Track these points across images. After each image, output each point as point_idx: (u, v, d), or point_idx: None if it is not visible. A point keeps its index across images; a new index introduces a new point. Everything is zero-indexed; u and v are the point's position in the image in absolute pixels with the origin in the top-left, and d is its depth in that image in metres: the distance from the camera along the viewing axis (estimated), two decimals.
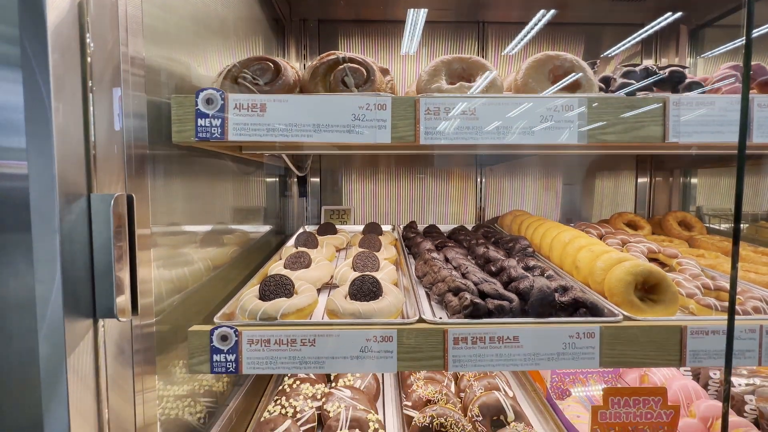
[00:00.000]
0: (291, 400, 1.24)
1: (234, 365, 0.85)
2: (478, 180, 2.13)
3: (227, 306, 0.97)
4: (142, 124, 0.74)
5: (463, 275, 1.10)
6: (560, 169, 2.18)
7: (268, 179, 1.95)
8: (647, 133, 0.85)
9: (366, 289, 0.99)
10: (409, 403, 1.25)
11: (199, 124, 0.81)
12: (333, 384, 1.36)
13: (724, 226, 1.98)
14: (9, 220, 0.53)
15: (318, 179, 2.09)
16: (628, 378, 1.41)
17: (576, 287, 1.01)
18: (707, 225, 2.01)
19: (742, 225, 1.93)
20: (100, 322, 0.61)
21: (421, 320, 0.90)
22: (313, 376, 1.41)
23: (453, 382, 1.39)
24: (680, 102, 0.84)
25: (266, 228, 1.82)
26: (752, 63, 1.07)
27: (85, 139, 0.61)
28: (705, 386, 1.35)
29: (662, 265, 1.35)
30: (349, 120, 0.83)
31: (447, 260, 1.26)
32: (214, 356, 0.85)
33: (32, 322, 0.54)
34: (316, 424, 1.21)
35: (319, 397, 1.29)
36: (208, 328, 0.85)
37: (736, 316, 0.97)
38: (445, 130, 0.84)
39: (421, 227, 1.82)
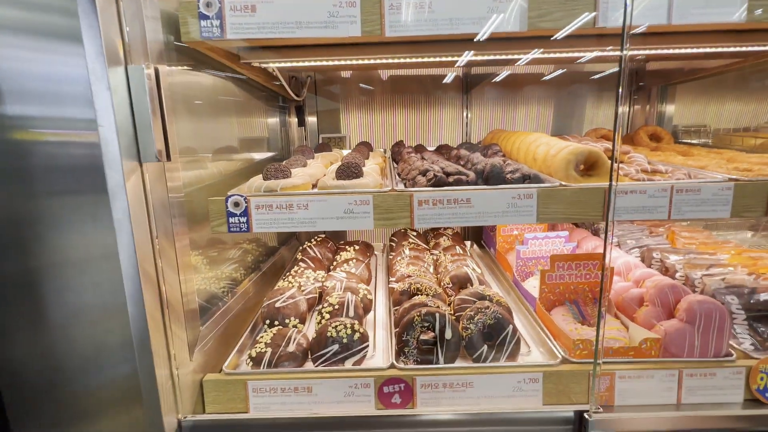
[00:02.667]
0: (297, 278, 1.51)
1: (246, 225, 1.09)
2: (465, 107, 2.26)
3: (237, 188, 1.20)
4: (156, 26, 0.92)
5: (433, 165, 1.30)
6: (545, 94, 2.29)
7: (269, 109, 2.13)
8: (581, 19, 0.99)
9: (350, 171, 1.20)
10: (394, 279, 1.50)
11: (202, 25, 0.99)
12: (332, 270, 1.62)
13: (697, 140, 2.11)
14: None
15: (315, 109, 2.26)
16: None
17: (526, 167, 1.20)
18: (682, 141, 2.14)
19: (715, 135, 2.06)
20: (144, 166, 0.84)
21: (392, 190, 1.11)
22: (313, 265, 1.68)
23: (432, 266, 1.64)
24: None
25: (269, 154, 2.02)
26: None
27: (120, 30, 0.80)
28: (649, 265, 1.57)
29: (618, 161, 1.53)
30: (326, 17, 0.98)
31: (423, 159, 1.45)
32: (230, 219, 1.08)
33: (99, 160, 0.77)
34: (317, 296, 1.49)
35: (320, 279, 1.56)
36: (224, 197, 1.07)
37: (656, 179, 1.16)
38: (406, 23, 0.99)
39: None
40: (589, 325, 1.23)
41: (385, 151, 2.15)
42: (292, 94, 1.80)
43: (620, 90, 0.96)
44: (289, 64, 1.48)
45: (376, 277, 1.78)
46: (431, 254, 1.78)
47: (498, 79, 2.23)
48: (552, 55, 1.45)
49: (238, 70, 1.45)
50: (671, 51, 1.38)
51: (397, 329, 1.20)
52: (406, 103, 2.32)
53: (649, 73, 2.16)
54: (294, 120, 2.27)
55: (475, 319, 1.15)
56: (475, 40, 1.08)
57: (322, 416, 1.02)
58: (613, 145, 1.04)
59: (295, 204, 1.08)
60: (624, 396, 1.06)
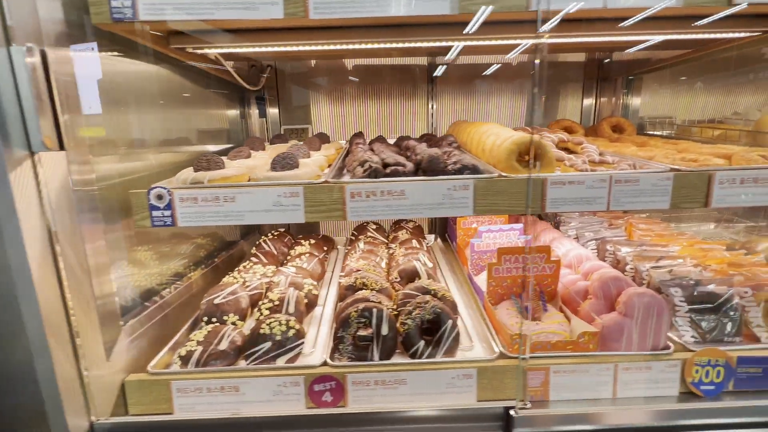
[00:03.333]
0: (243, 275, 1.47)
1: (170, 219, 1.04)
2: (430, 97, 2.22)
3: (167, 181, 1.14)
4: (54, 5, 0.85)
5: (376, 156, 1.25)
6: (516, 84, 2.25)
7: (224, 99, 2.06)
8: (512, 2, 0.95)
9: (284, 163, 1.15)
10: (343, 273, 1.47)
11: (112, 6, 0.92)
12: (284, 265, 1.58)
13: (661, 132, 2.09)
14: None
15: (277, 99, 2.19)
16: None
17: (467, 158, 1.17)
18: (647, 132, 2.13)
19: (677, 125, 2.05)
20: (38, 156, 0.78)
21: (325, 182, 1.07)
22: (266, 260, 1.64)
23: (385, 261, 1.60)
24: None
25: (225, 146, 1.96)
26: None
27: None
28: (603, 258, 1.55)
29: (571, 151, 1.50)
30: None
31: (372, 150, 1.41)
32: (153, 212, 1.03)
33: None
34: (264, 292, 1.44)
35: (269, 274, 1.52)
36: (146, 189, 1.02)
37: (596, 171, 1.13)
38: (331, 5, 0.94)
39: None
40: (533, 320, 1.21)
41: (347, 143, 2.10)
42: (243, 83, 1.73)
43: (536, 80, 0.92)
44: (226, 50, 1.42)
45: (333, 272, 1.75)
46: (388, 248, 1.75)
47: (462, 69, 2.19)
48: (491, 42, 1.40)
49: (180, 58, 1.39)
50: (601, 39, 1.36)
51: (335, 325, 1.16)
52: (376, 94, 2.27)
53: (615, 63, 2.13)
54: (255, 111, 2.20)
55: (413, 314, 1.12)
56: (418, 23, 1.04)
57: (248, 416, 0.99)
58: (532, 137, 1.01)
59: (221, 196, 1.03)
60: (559, 391, 1.04)
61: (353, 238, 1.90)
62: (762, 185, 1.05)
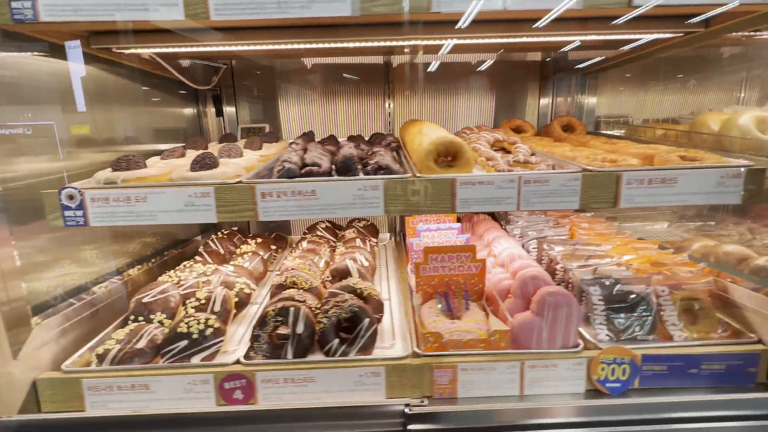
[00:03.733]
0: (179, 273, 1.48)
1: (83, 219, 1.05)
2: (387, 96, 2.22)
3: (85, 180, 1.15)
4: None
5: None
6: (469, 85, 2.25)
7: (174, 98, 2.06)
8: (414, 3, 0.96)
9: (203, 163, 1.16)
10: (279, 273, 1.48)
11: (13, 7, 0.93)
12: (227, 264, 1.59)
13: (611, 132, 2.10)
14: None
15: (234, 98, 2.20)
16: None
17: (386, 158, 1.17)
18: (600, 132, 2.14)
19: (628, 125, 2.06)
20: None
21: (239, 182, 1.08)
22: (210, 259, 1.65)
23: (323, 259, 1.61)
24: None
25: (175, 145, 1.97)
26: None
27: None
28: (540, 256, 1.56)
29: (507, 151, 1.51)
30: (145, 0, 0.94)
31: (305, 150, 1.41)
32: (65, 212, 1.04)
33: None
34: (197, 290, 1.45)
35: (208, 273, 1.53)
36: (57, 190, 1.03)
37: (502, 172, 1.15)
38: (232, 7, 0.95)
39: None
40: (455, 318, 1.23)
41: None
42: (189, 83, 1.74)
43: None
44: (155, 50, 1.42)
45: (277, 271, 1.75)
46: (333, 247, 1.76)
47: (420, 69, 2.19)
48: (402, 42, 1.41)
49: (110, 57, 1.39)
50: (515, 39, 1.36)
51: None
52: (337, 93, 2.28)
53: (568, 63, 2.14)
54: (213, 110, 2.20)
55: (329, 313, 1.13)
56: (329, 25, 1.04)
57: (159, 413, 1.00)
58: (451, 138, 1.02)
59: (132, 197, 1.04)
60: (467, 388, 1.06)
61: (303, 236, 1.91)
62: (669, 185, 1.06)
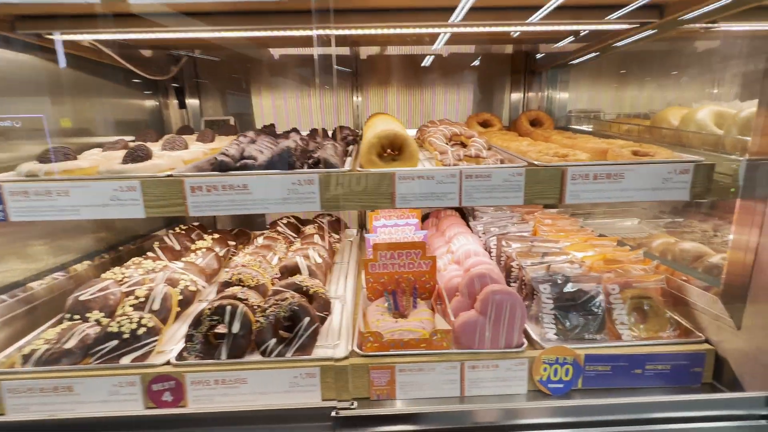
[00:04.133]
0: (124, 270, 1.43)
1: (2, 214, 1.00)
2: (355, 89, 2.17)
3: (8, 173, 1.10)
4: None
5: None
6: (442, 79, 2.21)
7: (145, 91, 2.00)
8: None
9: (135, 155, 1.11)
10: (228, 270, 1.43)
11: None
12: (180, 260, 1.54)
13: (580, 126, 2.07)
14: None
15: (197, 90, 2.13)
16: (441, 251, 1.59)
17: (327, 152, 1.13)
18: (573, 127, 2.10)
19: (596, 119, 2.02)
20: None
21: (169, 176, 1.03)
22: (163, 255, 1.60)
23: (278, 256, 1.57)
24: None
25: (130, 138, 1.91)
26: None
27: None
28: (500, 253, 1.53)
29: (465, 145, 1.47)
30: None
31: (252, 143, 1.36)
32: None
33: None
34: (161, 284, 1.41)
35: (157, 270, 1.48)
36: None
37: (444, 166, 1.11)
38: None
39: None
40: (401, 317, 1.19)
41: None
42: (137, 71, 1.67)
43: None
44: (94, 36, 1.35)
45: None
46: (291, 243, 1.71)
47: (390, 60, 2.14)
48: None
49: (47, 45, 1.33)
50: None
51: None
52: (310, 86, 2.21)
53: (537, 56, 2.09)
54: (176, 102, 2.14)
55: (267, 311, 1.09)
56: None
57: (79, 417, 0.96)
58: (395, 131, 0.98)
59: (53, 190, 0.99)
60: (406, 390, 1.02)
61: (262, 232, 1.86)
62: (615, 181, 1.03)
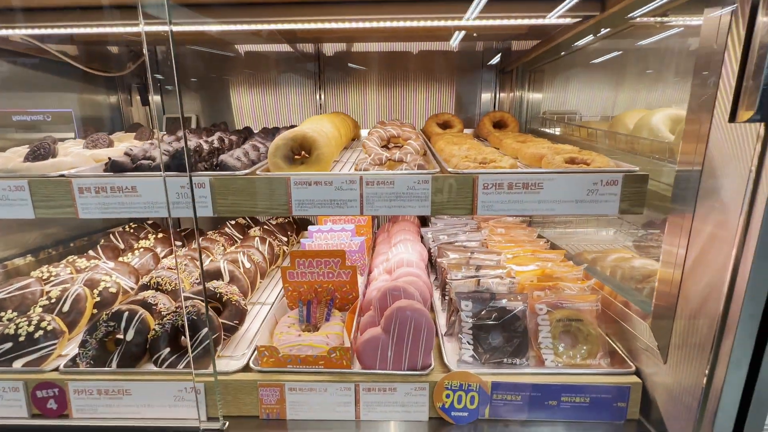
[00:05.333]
0: (53, 268, 1.41)
1: None
2: (319, 88, 2.11)
3: None
4: None
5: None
6: (404, 76, 2.11)
7: (102, 88, 1.99)
8: None
9: (38, 153, 1.08)
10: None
11: None
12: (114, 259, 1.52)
13: (550, 130, 1.94)
14: None
15: (159, 87, 2.12)
16: (380, 258, 1.51)
17: (237, 153, 1.07)
18: (544, 130, 1.97)
19: (562, 121, 1.89)
20: None
21: (61, 176, 0.99)
22: (103, 254, 1.58)
23: (210, 258, 1.53)
24: None
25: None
26: None
27: None
28: (438, 274, 1.44)
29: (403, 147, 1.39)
30: None
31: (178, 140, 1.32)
32: None
33: None
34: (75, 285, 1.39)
35: (90, 269, 1.46)
36: None
37: (342, 172, 1.02)
38: None
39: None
40: (312, 329, 1.12)
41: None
42: (83, 68, 1.66)
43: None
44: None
45: None
46: (233, 245, 1.67)
47: (359, 58, 2.07)
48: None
49: None
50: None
51: None
52: (274, 83, 2.17)
53: (505, 55, 1.98)
54: (139, 98, 2.13)
55: (165, 320, 1.05)
56: None
57: None
58: (304, 132, 0.91)
59: None
60: (297, 410, 0.96)
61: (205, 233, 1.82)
62: (532, 191, 0.93)
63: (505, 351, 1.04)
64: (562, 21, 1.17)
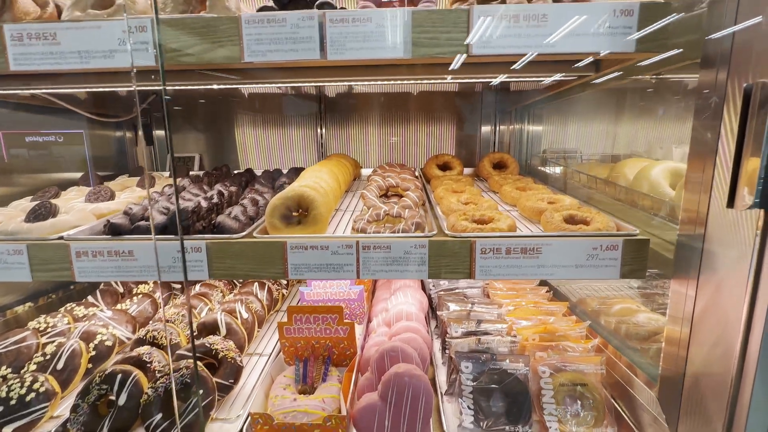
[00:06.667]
0: (50, 319, 1.41)
1: None
2: (320, 126, 2.14)
3: None
4: None
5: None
6: (405, 115, 2.14)
7: (108, 127, 2.04)
8: (226, 53, 0.87)
9: (39, 213, 1.09)
10: (152, 323, 1.38)
11: None
12: (111, 307, 1.51)
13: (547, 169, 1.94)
14: None
15: (166, 127, 2.16)
16: (379, 306, 1.49)
17: (235, 211, 1.07)
18: (544, 169, 1.97)
19: (561, 164, 1.88)
20: None
21: (60, 238, 1.00)
22: (101, 300, 1.57)
23: (208, 306, 1.51)
24: (253, 20, 0.84)
25: (109, 173, 1.95)
26: None
27: None
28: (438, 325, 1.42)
29: (401, 196, 1.38)
30: None
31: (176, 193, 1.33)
32: None
33: None
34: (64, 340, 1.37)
35: (88, 317, 1.45)
36: None
37: (337, 234, 1.02)
38: (32, 58, 0.88)
39: (258, 172, 1.90)
40: (309, 390, 1.10)
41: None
42: (86, 114, 1.70)
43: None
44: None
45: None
46: (231, 291, 1.66)
47: (361, 99, 2.10)
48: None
49: None
50: None
51: None
52: (278, 123, 2.20)
53: (507, 94, 2.00)
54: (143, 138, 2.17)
55: (158, 383, 1.03)
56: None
57: None
58: (302, 190, 0.91)
59: None
60: None
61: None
62: (531, 256, 0.91)
63: (507, 417, 1.00)
64: (558, 77, 1.19)
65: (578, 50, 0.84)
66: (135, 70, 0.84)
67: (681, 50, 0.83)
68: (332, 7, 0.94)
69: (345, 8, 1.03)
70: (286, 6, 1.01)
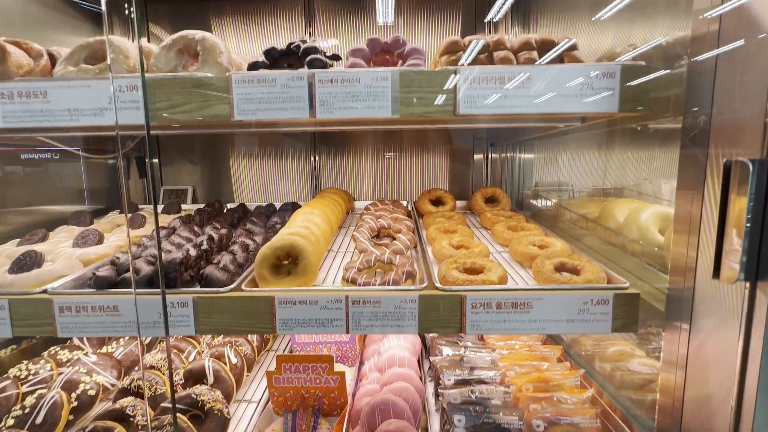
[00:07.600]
0: (31, 365, 1.36)
1: None
2: (313, 158, 2.15)
3: None
4: None
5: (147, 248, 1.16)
6: (398, 147, 2.16)
7: (110, 161, 2.04)
8: (216, 111, 0.88)
9: (23, 264, 1.07)
10: (138, 370, 1.35)
11: None
12: (96, 350, 1.48)
13: (539, 202, 1.95)
14: None
15: (159, 161, 2.16)
16: (372, 348, 1.46)
17: (222, 262, 1.06)
18: (535, 204, 1.98)
19: (552, 199, 1.90)
20: None
21: (44, 291, 0.98)
22: (85, 342, 1.53)
23: (196, 350, 1.48)
24: (243, 80, 0.86)
25: (100, 207, 1.93)
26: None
27: None
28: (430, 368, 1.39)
29: (394, 237, 1.38)
30: None
31: (173, 231, 1.32)
32: None
33: None
34: (53, 384, 1.33)
35: (72, 362, 1.41)
36: None
37: (327, 287, 1.01)
38: (20, 116, 0.88)
39: (251, 205, 1.90)
40: None
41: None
42: (82, 153, 1.70)
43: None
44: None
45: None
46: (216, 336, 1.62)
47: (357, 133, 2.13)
48: None
49: None
50: None
51: None
52: (270, 155, 2.21)
53: (503, 130, 2.03)
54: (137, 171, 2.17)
55: None
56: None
57: None
58: (293, 240, 0.91)
59: None
60: None
61: None
62: (522, 311, 0.91)
63: None
64: (546, 125, 1.21)
65: (563, 111, 0.86)
66: (119, 130, 0.84)
67: (664, 110, 0.85)
68: (323, 63, 0.96)
69: (335, 60, 1.05)
70: (278, 60, 1.03)
